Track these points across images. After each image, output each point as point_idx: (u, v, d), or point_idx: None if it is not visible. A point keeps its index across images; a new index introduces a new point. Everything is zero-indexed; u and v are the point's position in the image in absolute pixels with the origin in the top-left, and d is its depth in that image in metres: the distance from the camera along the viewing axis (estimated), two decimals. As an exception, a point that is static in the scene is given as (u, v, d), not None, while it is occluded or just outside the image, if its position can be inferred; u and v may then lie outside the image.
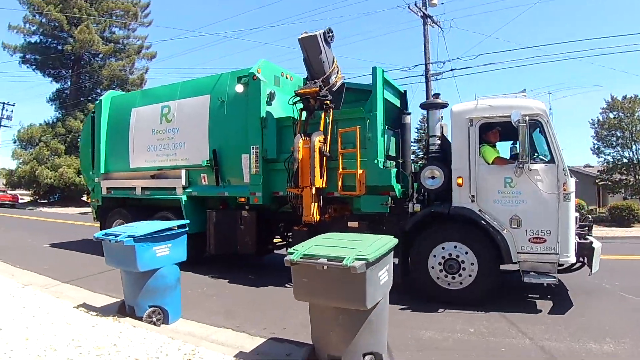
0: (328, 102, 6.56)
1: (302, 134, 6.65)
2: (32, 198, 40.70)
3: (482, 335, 4.51)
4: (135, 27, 39.53)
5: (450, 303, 5.44)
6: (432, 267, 5.62)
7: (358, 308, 3.20)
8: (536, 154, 5.73)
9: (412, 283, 5.94)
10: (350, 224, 6.67)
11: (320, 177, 6.44)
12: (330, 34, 6.48)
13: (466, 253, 5.46)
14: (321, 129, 6.59)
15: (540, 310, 5.32)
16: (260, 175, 7.28)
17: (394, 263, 3.87)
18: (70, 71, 38.18)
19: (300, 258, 3.28)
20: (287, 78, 8.33)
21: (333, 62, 6.71)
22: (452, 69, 17.81)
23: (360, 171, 6.24)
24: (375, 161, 6.19)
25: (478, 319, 4.98)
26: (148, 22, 39.66)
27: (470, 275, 5.43)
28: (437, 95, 7.00)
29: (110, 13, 36.84)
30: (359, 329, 3.31)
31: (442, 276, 5.57)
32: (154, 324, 4.63)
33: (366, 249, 3.28)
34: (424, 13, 18.88)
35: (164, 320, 4.79)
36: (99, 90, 37.69)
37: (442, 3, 19.55)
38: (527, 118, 5.17)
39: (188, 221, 5.31)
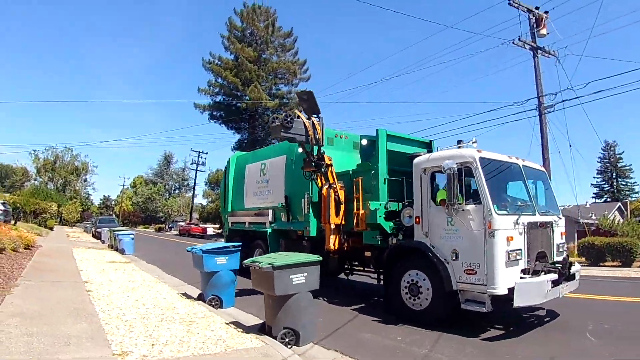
0: (322, 162, 8.76)
1: (323, 184, 9.13)
2: (218, 231, 50.03)
3: (405, 344, 6.04)
4: (297, 82, 46.61)
5: (414, 321, 7.02)
6: (403, 290, 7.48)
7: (270, 294, 5.76)
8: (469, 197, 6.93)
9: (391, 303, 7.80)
10: (366, 253, 8.97)
11: (336, 216, 8.91)
12: (288, 119, 8.11)
13: (424, 280, 7.13)
14: (331, 181, 8.99)
15: (477, 336, 6.38)
16: (310, 214, 10.05)
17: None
18: (247, 124, 46.73)
19: (250, 262, 6.03)
20: (341, 138, 11.03)
21: (306, 129, 8.32)
22: (563, 100, 17.76)
23: (362, 211, 8.56)
24: (371, 204, 8.40)
25: (417, 333, 6.55)
26: (307, 77, 46.36)
27: (427, 299, 7.05)
28: (460, 142, 8.72)
29: (275, 73, 44.45)
30: (278, 310, 5.80)
31: (407, 298, 7.37)
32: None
33: (280, 260, 5.84)
34: (532, 46, 19.24)
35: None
36: (269, 139, 45.21)
37: (549, 33, 19.48)
38: (459, 166, 6.68)
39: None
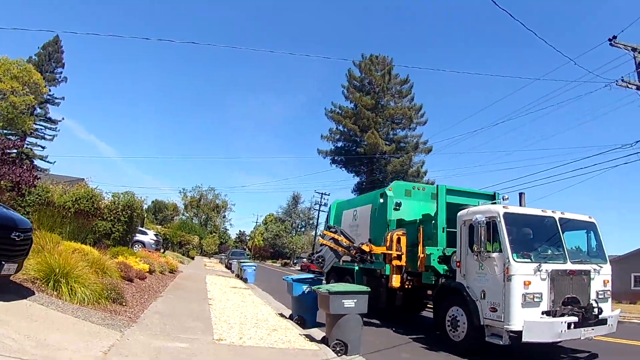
0: (363, 254, 11.27)
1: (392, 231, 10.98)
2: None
3: None
4: (415, 127, 48.51)
5: (453, 351, 8.37)
6: (447, 323, 8.92)
7: (327, 312, 7.79)
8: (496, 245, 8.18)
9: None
10: (428, 291, 10.52)
11: (398, 259, 10.63)
12: (315, 256, 11.39)
13: (462, 315, 8.50)
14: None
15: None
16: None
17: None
18: (365, 168, 49.58)
19: (316, 288, 8.19)
20: (419, 190, 12.80)
21: (332, 250, 11.18)
22: None
23: (422, 255, 10.21)
24: (427, 249, 10.03)
25: (449, 359, 8.08)
26: (423, 121, 48.03)
27: (463, 331, 8.41)
28: (505, 198, 10.10)
29: (392, 119, 46.96)
30: (333, 325, 7.81)
31: (449, 330, 8.80)
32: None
33: (336, 288, 7.90)
34: (638, 85, 18.69)
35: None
36: (386, 182, 47.42)
37: None
38: (487, 219, 8.13)
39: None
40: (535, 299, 7.55)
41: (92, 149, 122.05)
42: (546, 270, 7.72)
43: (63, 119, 61.18)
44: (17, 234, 6.12)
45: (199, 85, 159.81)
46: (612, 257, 43.32)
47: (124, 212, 18.81)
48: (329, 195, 62.60)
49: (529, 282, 7.55)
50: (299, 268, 56.26)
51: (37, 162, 52.04)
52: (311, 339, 8.24)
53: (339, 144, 50.52)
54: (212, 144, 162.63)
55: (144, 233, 27.66)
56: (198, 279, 19.51)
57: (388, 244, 10.81)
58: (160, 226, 55.03)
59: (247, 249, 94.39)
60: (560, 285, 7.87)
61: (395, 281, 10.68)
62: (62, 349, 4.85)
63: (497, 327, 7.72)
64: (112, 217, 18.55)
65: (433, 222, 10.40)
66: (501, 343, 7.55)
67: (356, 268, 13.56)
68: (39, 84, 26.88)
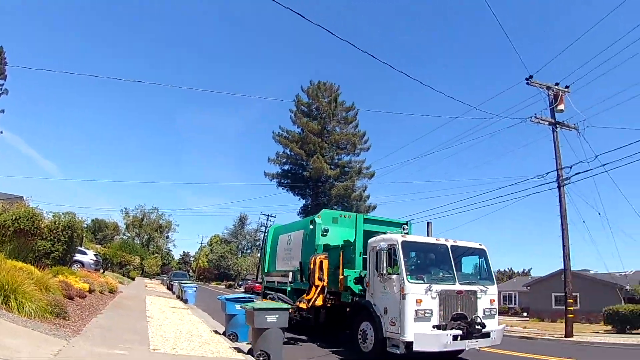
0: None
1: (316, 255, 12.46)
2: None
3: None
4: (359, 152, 50.89)
5: None
6: (359, 336, 10.41)
7: (252, 326, 9.06)
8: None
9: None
10: (347, 309, 11.99)
11: (320, 280, 12.05)
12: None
13: (370, 328, 10.02)
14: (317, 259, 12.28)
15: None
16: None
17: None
18: (311, 191, 51.17)
19: (243, 306, 9.45)
20: (345, 217, 14.37)
21: None
22: (576, 173, 19.46)
23: (341, 277, 11.71)
24: (345, 271, 11.54)
25: None
26: (367, 147, 50.58)
27: (371, 343, 9.89)
28: (404, 228, 11.79)
29: (337, 144, 49.13)
30: (257, 338, 9.07)
31: (360, 342, 10.28)
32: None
33: (259, 305, 9.20)
34: (550, 122, 21.32)
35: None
36: (330, 205, 49.13)
37: (566, 108, 21.38)
38: (389, 246, 9.74)
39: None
40: (426, 315, 9.14)
41: (31, 163, 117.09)
42: (436, 290, 9.34)
43: (1, 132, 59.08)
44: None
45: (148, 99, 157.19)
46: (536, 279, 46.82)
47: (64, 232, 19.18)
48: (274, 217, 63.81)
49: (421, 300, 9.15)
50: (243, 290, 56.63)
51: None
52: (239, 350, 9.46)
53: (286, 167, 51.93)
54: (161, 158, 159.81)
55: (83, 253, 27.67)
56: (138, 299, 20.09)
57: (311, 267, 12.23)
58: (100, 245, 53.91)
59: (190, 271, 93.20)
60: (449, 303, 9.52)
61: (319, 300, 12.08)
62: (18, 351, 5.86)
63: (395, 338, 9.23)
64: (52, 237, 18.88)
65: (352, 247, 11.96)
66: (398, 352, 9.08)
67: (289, 288, 14.90)
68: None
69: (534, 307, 42.10)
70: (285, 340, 9.98)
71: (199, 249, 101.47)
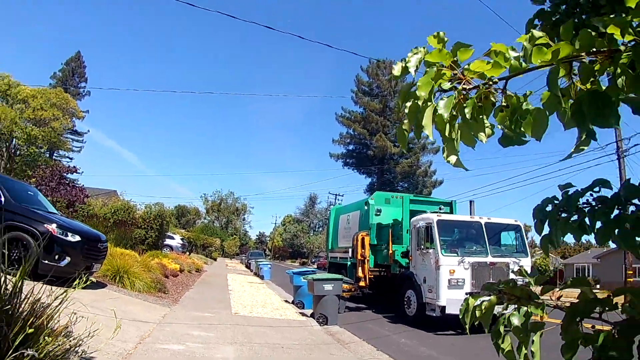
0: None
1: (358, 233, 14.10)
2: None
3: (389, 332, 10.85)
4: (422, 128, 51.22)
5: (408, 323, 11.52)
6: (404, 302, 12.04)
7: (313, 294, 10.99)
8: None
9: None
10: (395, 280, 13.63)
11: (362, 256, 13.68)
12: None
13: (413, 295, 11.65)
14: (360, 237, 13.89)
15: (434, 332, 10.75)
16: (369, 252, 15.03)
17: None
18: (376, 169, 52.55)
19: (305, 277, 11.41)
20: (396, 198, 15.85)
21: None
22: (635, 145, 19.47)
23: (391, 251, 13.31)
24: (393, 246, 13.12)
25: (401, 328, 11.14)
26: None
27: (414, 308, 11.54)
28: (471, 202, 13.12)
29: (400, 121, 49.75)
30: (317, 304, 11.00)
31: (406, 307, 11.93)
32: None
33: (318, 276, 11.09)
34: None
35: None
36: (396, 182, 50.31)
37: None
38: (426, 224, 11.26)
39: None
40: (459, 283, 10.58)
41: (112, 154, 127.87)
42: (468, 262, 10.72)
43: (89, 131, 65.58)
44: (100, 244, 9.48)
45: (216, 83, 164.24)
46: (606, 250, 45.44)
47: (155, 221, 22.30)
48: (342, 196, 65.66)
49: (454, 271, 10.58)
50: (316, 266, 59.60)
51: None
52: (303, 314, 11.47)
53: (350, 147, 53.64)
54: (231, 144, 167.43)
55: (172, 238, 31.27)
56: (220, 276, 22.94)
57: (354, 243, 13.94)
58: (183, 230, 58.95)
59: (266, 250, 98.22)
60: (481, 273, 10.84)
61: (360, 272, 13.79)
62: (137, 314, 8.15)
63: (432, 303, 10.79)
64: (145, 225, 22.06)
65: (400, 225, 13.49)
66: (434, 315, 10.64)
67: (349, 262, 16.72)
68: (75, 109, 30.84)
69: (605, 279, 41.16)
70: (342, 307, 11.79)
71: (273, 229, 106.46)
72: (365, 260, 13.84)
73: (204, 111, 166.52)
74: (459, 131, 1.37)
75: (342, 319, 11.24)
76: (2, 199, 8.42)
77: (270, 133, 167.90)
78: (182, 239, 35.07)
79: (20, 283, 3.45)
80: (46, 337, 3.37)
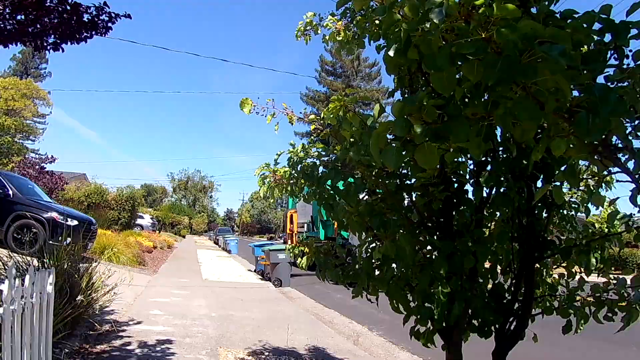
0: None
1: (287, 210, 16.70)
2: (316, 240, 58.84)
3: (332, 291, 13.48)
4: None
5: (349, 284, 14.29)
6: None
7: (269, 262, 13.49)
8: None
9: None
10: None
11: (290, 230, 16.29)
12: None
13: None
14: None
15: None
16: (319, 227, 17.58)
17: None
18: (337, 146, 54.99)
19: (263, 249, 13.88)
20: (343, 179, 18.42)
21: None
22: None
23: (335, 226, 15.88)
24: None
25: (337, 288, 13.80)
26: (391, 102, 53.50)
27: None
28: None
29: (362, 101, 52.22)
30: (273, 270, 13.51)
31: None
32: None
33: (273, 247, 13.59)
34: None
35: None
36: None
37: None
38: None
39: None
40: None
41: (74, 133, 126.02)
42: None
43: (51, 112, 65.25)
44: (92, 226, 11.63)
45: (180, 60, 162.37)
46: None
47: (127, 203, 24.27)
48: (307, 173, 68.12)
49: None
50: (283, 241, 62.39)
51: (30, 155, 56.84)
52: (262, 279, 13.98)
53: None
54: (197, 120, 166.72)
55: (142, 217, 33.16)
56: (190, 252, 25.23)
57: (284, 220, 16.54)
58: (151, 209, 60.39)
59: (234, 226, 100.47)
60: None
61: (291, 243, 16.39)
62: (127, 279, 10.44)
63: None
64: (118, 207, 24.00)
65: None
66: None
67: (304, 235, 19.31)
68: (45, 98, 31.91)
69: None
70: (293, 273, 14.33)
71: (241, 205, 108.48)
72: (294, 234, 16.38)
73: (166, 81, 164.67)
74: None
75: (296, 282, 13.81)
76: (11, 192, 10.46)
77: (237, 109, 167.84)
78: (152, 218, 36.95)
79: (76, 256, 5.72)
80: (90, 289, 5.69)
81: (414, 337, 2.78)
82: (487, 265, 2.70)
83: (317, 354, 5.99)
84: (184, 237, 50.66)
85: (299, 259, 3.93)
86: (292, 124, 3.37)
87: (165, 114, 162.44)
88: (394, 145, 1.59)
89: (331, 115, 2.55)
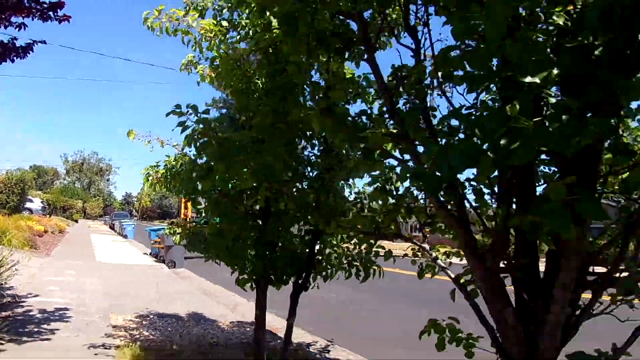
0: None
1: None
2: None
3: (221, 271, 14.85)
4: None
5: None
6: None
7: (164, 245, 14.45)
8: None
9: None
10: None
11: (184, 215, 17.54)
12: None
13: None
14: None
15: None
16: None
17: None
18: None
19: (158, 233, 14.77)
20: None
21: None
22: None
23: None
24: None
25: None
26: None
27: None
28: None
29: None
30: (167, 252, 14.49)
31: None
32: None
33: (166, 230, 14.56)
34: None
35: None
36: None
37: None
38: None
39: None
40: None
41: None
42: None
43: None
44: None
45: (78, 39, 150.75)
46: None
47: (17, 186, 23.41)
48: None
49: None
50: (182, 226, 61.73)
51: None
52: (157, 261, 14.90)
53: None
54: (99, 101, 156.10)
55: (31, 201, 31.65)
56: (84, 236, 24.99)
57: (179, 205, 17.70)
58: (40, 192, 56.71)
59: (133, 211, 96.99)
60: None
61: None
62: (22, 262, 10.93)
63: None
64: (7, 190, 23.08)
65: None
66: None
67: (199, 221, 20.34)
68: None
69: None
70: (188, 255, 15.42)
71: (141, 189, 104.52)
72: (187, 219, 17.44)
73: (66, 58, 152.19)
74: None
75: (189, 264, 14.90)
76: None
77: (142, 87, 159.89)
78: (42, 202, 35.32)
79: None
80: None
81: (237, 284, 4.28)
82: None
83: (196, 317, 7.35)
84: (77, 221, 48.51)
85: (175, 237, 5.23)
86: (162, 147, 4.56)
87: (67, 98, 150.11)
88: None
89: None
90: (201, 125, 2.99)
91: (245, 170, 2.94)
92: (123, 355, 4.68)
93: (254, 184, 3.15)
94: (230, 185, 3.61)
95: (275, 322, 7.11)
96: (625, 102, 1.18)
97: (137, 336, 5.68)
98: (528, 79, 1.14)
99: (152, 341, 5.55)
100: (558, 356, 1.62)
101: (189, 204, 17.91)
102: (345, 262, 4.27)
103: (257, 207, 4.18)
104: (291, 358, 4.91)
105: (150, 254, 17.07)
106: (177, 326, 6.56)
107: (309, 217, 3.57)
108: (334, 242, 4.38)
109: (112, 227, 40.99)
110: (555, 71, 1.15)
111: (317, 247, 4.28)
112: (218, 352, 5.49)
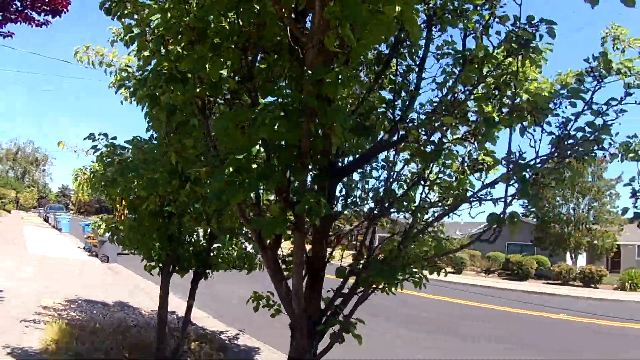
0: None
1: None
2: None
3: None
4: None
5: None
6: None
7: (97, 240, 15.04)
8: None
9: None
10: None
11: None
12: None
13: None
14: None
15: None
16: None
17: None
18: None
19: (91, 227, 15.36)
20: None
21: None
22: None
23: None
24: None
25: None
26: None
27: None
28: None
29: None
30: (101, 247, 15.07)
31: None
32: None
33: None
34: None
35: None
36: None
37: None
38: None
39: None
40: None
41: None
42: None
43: None
44: None
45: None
46: None
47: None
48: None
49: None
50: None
51: None
52: (90, 255, 15.44)
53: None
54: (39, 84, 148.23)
55: (-41, 189, 30.61)
56: (16, 227, 24.71)
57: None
58: (-32, 179, 54.06)
59: (69, 204, 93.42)
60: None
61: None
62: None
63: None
64: None
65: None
66: None
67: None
68: None
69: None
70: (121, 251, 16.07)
71: (78, 182, 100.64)
72: (123, 215, 18.04)
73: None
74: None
75: (122, 259, 15.52)
76: None
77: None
78: (-29, 190, 34.08)
79: None
80: None
81: (145, 270, 5.37)
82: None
83: (121, 305, 8.28)
84: (9, 212, 46.74)
85: (99, 230, 6.19)
86: (86, 156, 5.58)
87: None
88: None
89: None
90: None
91: (139, 183, 4.11)
92: (51, 328, 5.62)
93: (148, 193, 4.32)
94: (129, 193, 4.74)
95: (196, 313, 8.15)
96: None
97: (65, 316, 6.60)
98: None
99: (78, 320, 6.49)
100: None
101: (124, 202, 18.24)
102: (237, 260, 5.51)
103: (166, 208, 5.28)
104: (193, 334, 6.03)
105: (84, 248, 17.49)
106: (103, 310, 7.48)
107: (206, 221, 4.73)
108: (232, 243, 5.59)
109: (46, 220, 39.98)
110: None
111: (216, 246, 5.47)
112: (135, 332, 6.50)
